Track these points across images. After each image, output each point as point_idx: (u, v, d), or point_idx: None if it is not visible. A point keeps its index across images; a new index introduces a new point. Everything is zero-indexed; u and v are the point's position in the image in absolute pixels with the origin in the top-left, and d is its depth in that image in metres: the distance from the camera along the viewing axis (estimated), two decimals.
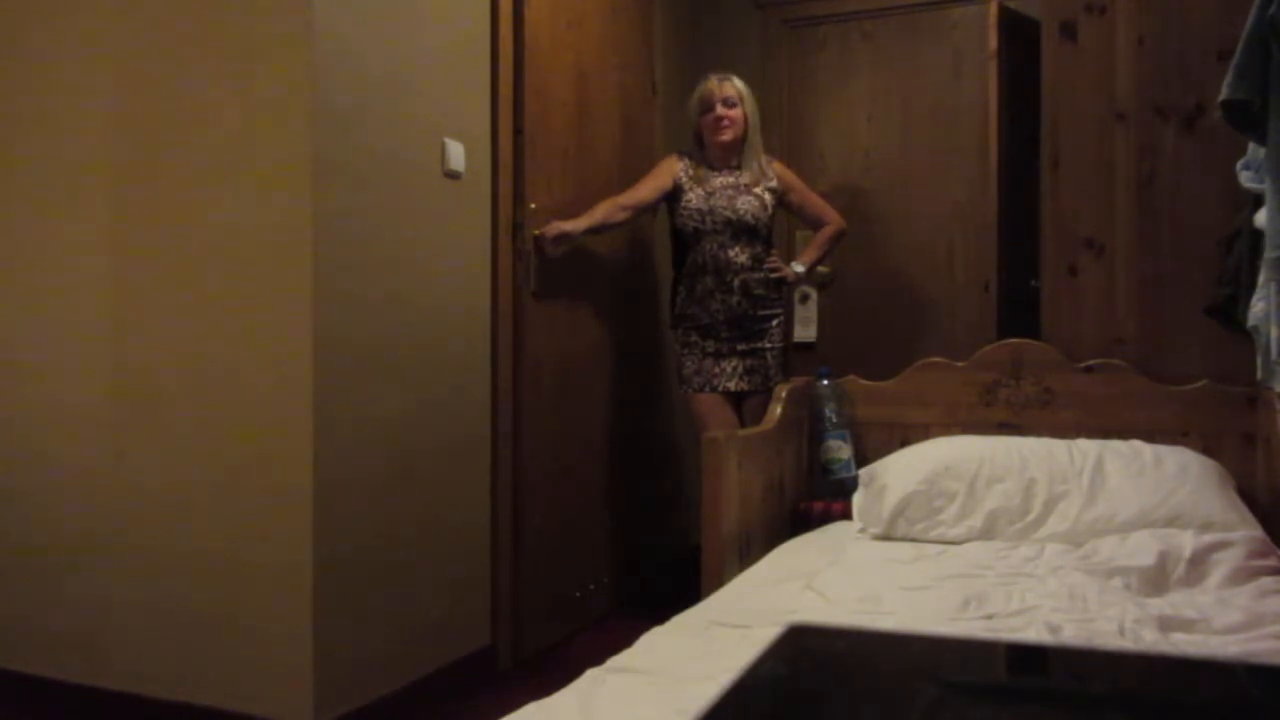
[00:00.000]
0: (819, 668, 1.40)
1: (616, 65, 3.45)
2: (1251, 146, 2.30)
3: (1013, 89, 3.45)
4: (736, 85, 3.14)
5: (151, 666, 2.42)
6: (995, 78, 3.45)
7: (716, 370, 3.08)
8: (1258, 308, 2.25)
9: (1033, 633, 1.71)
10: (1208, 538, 2.17)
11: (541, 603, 3.00)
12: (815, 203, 3.26)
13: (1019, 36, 3.42)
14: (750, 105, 3.15)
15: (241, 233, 2.34)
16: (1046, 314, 2.96)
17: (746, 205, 3.07)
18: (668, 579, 3.60)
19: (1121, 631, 1.71)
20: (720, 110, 3.10)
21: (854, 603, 1.91)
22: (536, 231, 2.93)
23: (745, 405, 3.11)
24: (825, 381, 3.07)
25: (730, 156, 3.16)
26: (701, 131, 3.16)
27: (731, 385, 3.08)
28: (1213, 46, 2.74)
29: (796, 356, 3.65)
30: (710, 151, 3.16)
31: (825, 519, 2.89)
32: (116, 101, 2.49)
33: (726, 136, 3.11)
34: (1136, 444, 2.60)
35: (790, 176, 3.24)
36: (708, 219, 3.07)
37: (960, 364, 2.98)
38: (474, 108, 2.78)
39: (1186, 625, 1.77)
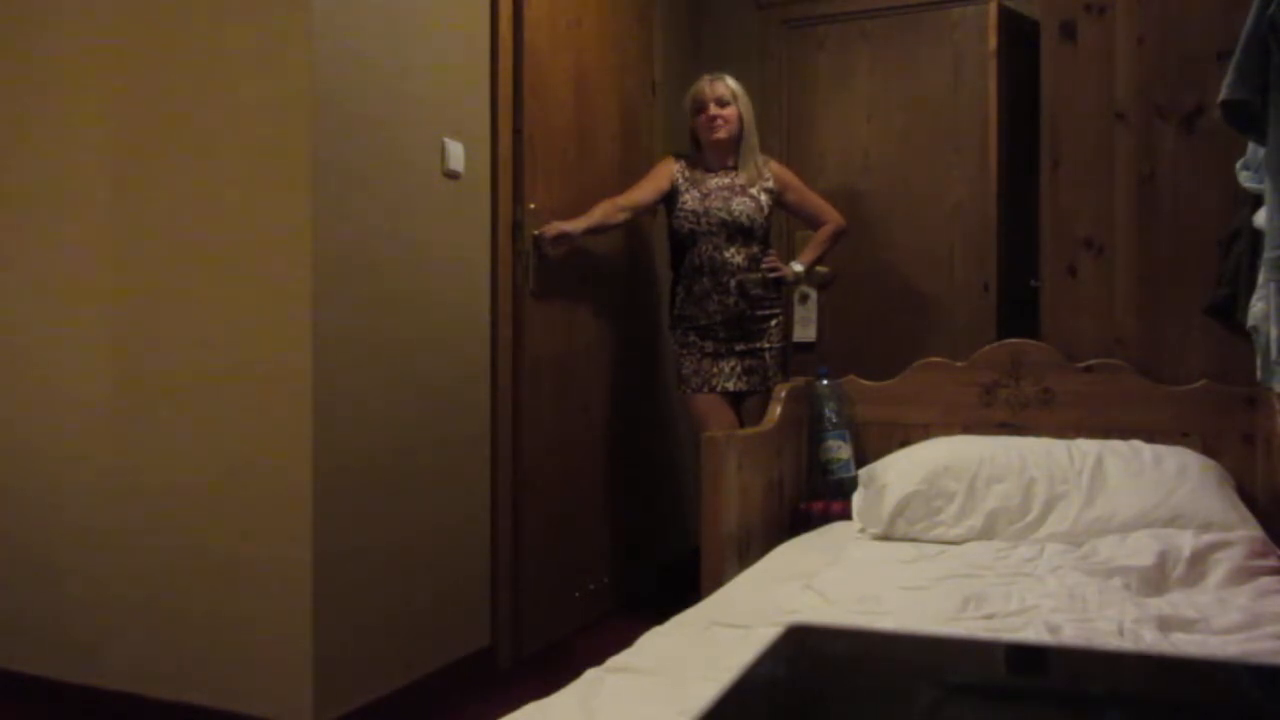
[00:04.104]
0: (819, 668, 1.40)
1: (616, 65, 3.45)
2: (1251, 146, 2.30)
3: (1013, 89, 3.45)
4: (729, 84, 3.14)
5: (151, 666, 2.42)
6: (995, 78, 3.45)
7: (715, 370, 3.08)
8: (1257, 308, 2.25)
9: (1032, 633, 1.71)
10: (1207, 538, 2.17)
11: (541, 603, 3.00)
12: (814, 202, 3.26)
13: (1019, 36, 3.42)
14: (744, 104, 3.15)
15: (241, 232, 2.34)
16: (1046, 314, 2.96)
17: (742, 206, 3.07)
18: (668, 579, 3.60)
19: (1121, 631, 1.71)
20: (713, 110, 3.10)
21: (854, 603, 1.91)
22: (536, 231, 2.93)
23: (744, 405, 3.11)
24: (825, 381, 3.07)
25: (726, 156, 3.16)
26: (697, 132, 3.16)
27: (730, 385, 3.08)
28: (1213, 46, 2.74)
29: (796, 356, 3.65)
30: (706, 151, 3.17)
31: (825, 519, 2.89)
32: (117, 102, 2.49)
33: (720, 135, 3.11)
34: (1136, 444, 2.60)
35: (788, 176, 3.24)
36: (703, 220, 3.07)
37: (960, 364, 2.98)
38: (474, 108, 2.78)
39: (1186, 625, 1.77)
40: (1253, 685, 1.37)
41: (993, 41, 3.46)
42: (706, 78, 3.16)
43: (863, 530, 2.61)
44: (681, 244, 3.15)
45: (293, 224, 2.27)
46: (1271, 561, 2.12)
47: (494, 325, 2.85)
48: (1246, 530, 2.29)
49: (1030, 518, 2.44)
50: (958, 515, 2.48)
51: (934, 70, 3.80)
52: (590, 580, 3.28)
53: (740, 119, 3.14)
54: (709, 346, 3.09)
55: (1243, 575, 2.04)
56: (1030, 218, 3.11)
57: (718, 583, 2.30)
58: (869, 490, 2.66)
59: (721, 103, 3.11)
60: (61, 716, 2.49)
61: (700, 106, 3.13)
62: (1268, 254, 2.05)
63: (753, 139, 3.17)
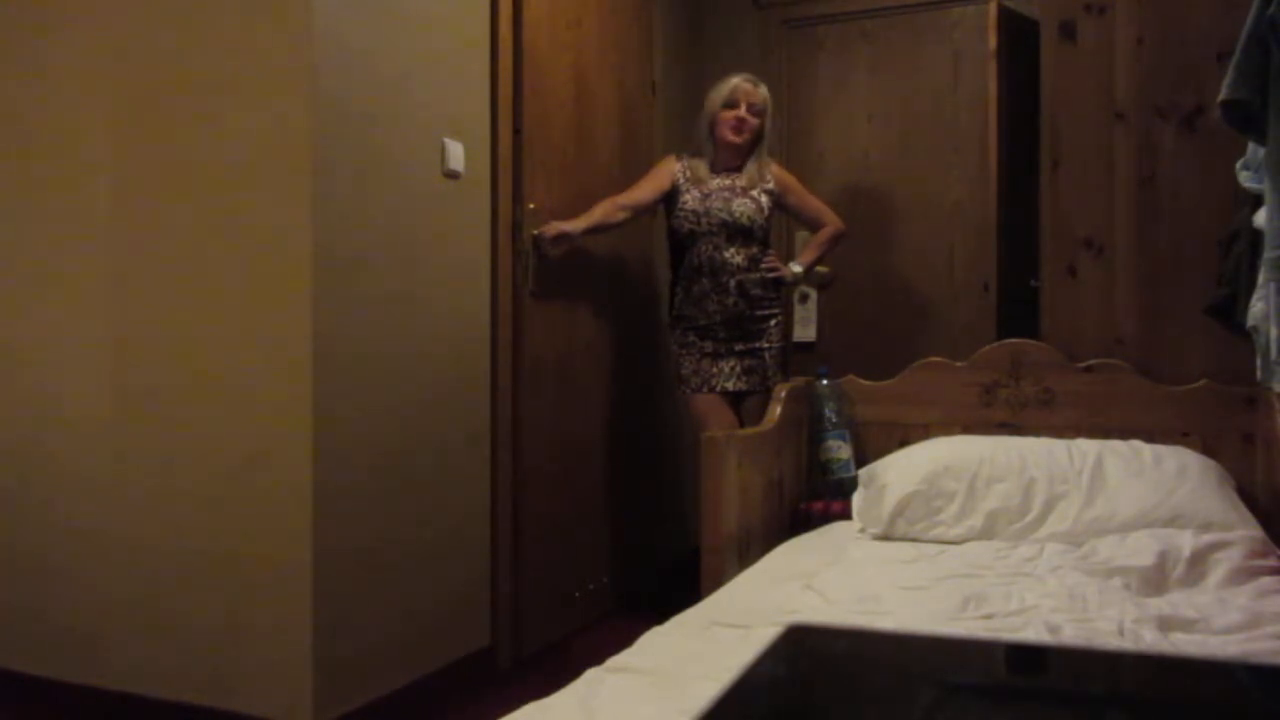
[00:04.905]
0: (819, 668, 1.40)
1: (616, 65, 3.45)
2: (1251, 146, 2.30)
3: (1013, 89, 3.45)
4: (765, 95, 3.13)
5: (151, 666, 2.42)
6: (995, 78, 3.45)
7: (714, 370, 3.08)
8: (1257, 308, 2.25)
9: (1032, 633, 1.71)
10: (1207, 538, 2.17)
11: (541, 603, 3.00)
12: (813, 204, 3.26)
13: (1019, 36, 3.42)
14: (769, 119, 3.16)
15: (241, 232, 2.34)
16: (1046, 314, 2.96)
17: (742, 208, 3.07)
18: (668, 579, 3.60)
19: (1121, 631, 1.71)
20: (744, 112, 3.09)
21: (854, 603, 1.90)
22: (535, 231, 2.93)
23: (744, 405, 3.11)
24: (825, 381, 3.07)
25: (734, 159, 3.15)
26: (715, 125, 3.14)
27: (729, 385, 3.08)
28: (1213, 46, 2.74)
29: (796, 356, 3.65)
30: (718, 148, 3.15)
31: (825, 519, 2.88)
32: (117, 103, 2.49)
33: (739, 139, 3.10)
34: (1136, 444, 2.60)
35: (788, 178, 3.23)
36: (703, 220, 3.07)
37: (960, 364, 2.98)
38: (474, 108, 2.78)
39: (1186, 625, 1.77)
40: (1253, 685, 1.37)
41: (993, 41, 3.46)
42: (746, 78, 3.13)
43: (863, 530, 2.61)
44: (681, 244, 3.14)
45: (293, 224, 2.27)
46: (1271, 561, 2.12)
47: (494, 325, 2.85)
48: (1246, 530, 2.29)
49: (1030, 518, 2.44)
50: (958, 515, 2.48)
51: (934, 70, 3.80)
52: (590, 580, 3.28)
53: (761, 132, 3.13)
54: (708, 346, 3.09)
55: (1243, 575, 2.04)
56: (1030, 218, 3.11)
57: (718, 583, 2.30)
58: (869, 490, 2.66)
59: (754, 110, 3.10)
60: (61, 716, 2.49)
61: (732, 104, 3.10)
62: (1268, 254, 2.05)
63: (763, 151, 3.17)
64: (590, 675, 1.55)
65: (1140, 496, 2.40)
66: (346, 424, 2.34)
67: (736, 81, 3.12)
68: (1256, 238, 2.29)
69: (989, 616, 1.80)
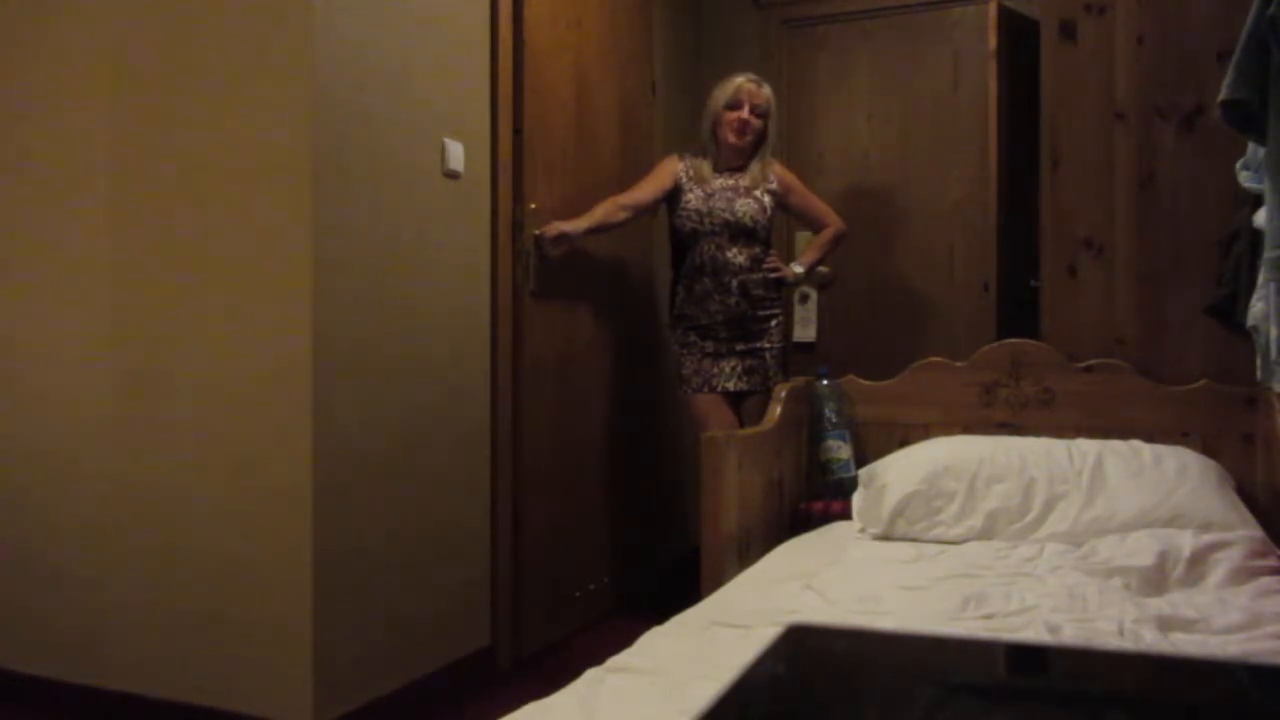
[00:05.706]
0: (819, 668, 1.40)
1: (616, 65, 3.45)
2: (1251, 146, 2.30)
3: (1013, 89, 3.45)
4: (768, 95, 3.12)
5: (151, 666, 2.42)
6: (995, 78, 3.45)
7: (715, 370, 3.08)
8: (1257, 308, 2.25)
9: (1032, 633, 1.71)
10: (1207, 538, 2.17)
11: (541, 603, 3.00)
12: (816, 205, 3.26)
13: (1019, 36, 3.42)
14: (773, 120, 3.15)
15: (241, 232, 2.34)
16: (1046, 314, 2.96)
17: (745, 208, 3.07)
18: (668, 579, 3.60)
19: (1121, 631, 1.71)
20: (747, 114, 3.08)
21: (854, 603, 1.91)
22: (536, 231, 2.93)
23: (744, 405, 3.11)
24: (825, 381, 3.07)
25: (736, 159, 3.14)
26: (718, 125, 3.13)
27: (730, 385, 3.07)
28: (1213, 46, 2.74)
29: (796, 356, 3.65)
30: (721, 148, 3.14)
31: (825, 519, 2.88)
32: (118, 102, 2.49)
33: (741, 142, 3.09)
34: (1136, 444, 2.60)
35: (791, 179, 3.23)
36: (706, 220, 3.07)
37: (960, 364, 2.98)
38: (474, 108, 2.78)
39: (1186, 625, 1.77)
40: (1253, 685, 1.37)
41: (993, 41, 3.46)
42: (750, 78, 3.11)
43: (863, 530, 2.61)
44: (683, 243, 3.14)
45: (293, 224, 2.27)
46: (1271, 561, 2.12)
47: (494, 325, 2.85)
48: (1246, 530, 2.29)
49: (1030, 518, 2.44)
50: (958, 515, 2.48)
51: (934, 70, 3.80)
52: (590, 580, 3.28)
53: (764, 134, 3.13)
54: (709, 346, 3.09)
55: (1243, 575, 2.04)
56: (1030, 218, 3.11)
57: (718, 583, 2.30)
58: (869, 490, 2.66)
59: (757, 111, 3.08)
60: (61, 716, 2.49)
61: (735, 104, 3.08)
62: (1268, 254, 2.05)
63: (767, 152, 3.16)
64: (590, 675, 1.55)
65: (1140, 496, 2.40)
66: (346, 424, 2.34)
67: (740, 81, 3.11)
68: (1256, 238, 2.30)
69: (989, 616, 1.81)
